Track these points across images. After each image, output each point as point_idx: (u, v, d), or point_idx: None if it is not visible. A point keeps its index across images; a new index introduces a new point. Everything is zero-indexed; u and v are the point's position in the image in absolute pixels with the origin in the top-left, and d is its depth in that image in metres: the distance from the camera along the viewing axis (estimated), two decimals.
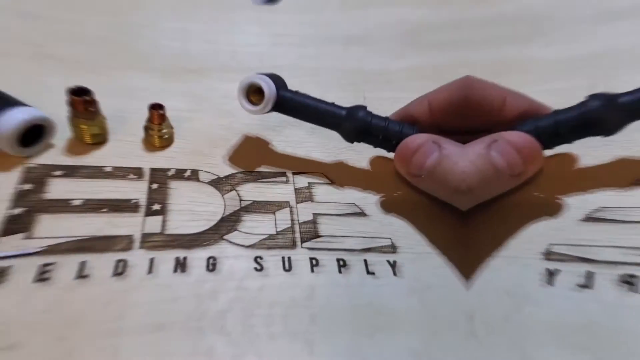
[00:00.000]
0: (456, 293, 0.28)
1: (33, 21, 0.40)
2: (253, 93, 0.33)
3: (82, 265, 0.27)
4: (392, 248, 0.31)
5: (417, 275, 0.29)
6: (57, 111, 0.33)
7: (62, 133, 0.33)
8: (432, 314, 0.27)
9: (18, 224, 0.28)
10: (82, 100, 0.31)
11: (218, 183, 0.34)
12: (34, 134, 0.31)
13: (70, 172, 0.32)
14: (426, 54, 0.47)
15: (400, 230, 0.32)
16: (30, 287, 0.25)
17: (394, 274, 0.29)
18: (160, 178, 0.33)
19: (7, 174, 0.31)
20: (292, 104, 0.33)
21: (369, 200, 0.34)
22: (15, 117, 0.30)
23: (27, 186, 0.30)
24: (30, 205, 0.29)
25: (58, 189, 0.30)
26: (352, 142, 0.33)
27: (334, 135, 0.33)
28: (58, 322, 0.24)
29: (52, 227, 0.28)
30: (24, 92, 0.33)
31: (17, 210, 0.29)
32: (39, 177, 0.31)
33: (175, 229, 0.30)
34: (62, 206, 0.29)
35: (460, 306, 0.27)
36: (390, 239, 0.31)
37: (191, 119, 0.38)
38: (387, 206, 0.33)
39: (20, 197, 0.29)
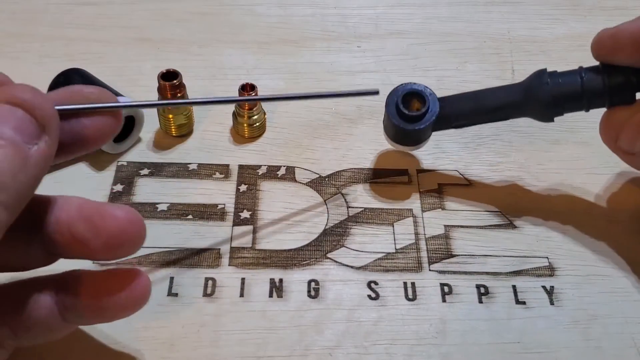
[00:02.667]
0: (628, 326, 0.28)
1: (131, 5, 0.44)
2: None
3: (171, 281, 0.29)
4: (550, 270, 0.30)
5: (580, 304, 0.29)
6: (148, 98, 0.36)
7: (152, 125, 0.35)
8: (598, 352, 0.27)
9: None
10: (169, 86, 0.32)
11: (319, 184, 0.34)
12: (125, 127, 0.33)
13: (156, 170, 0.34)
14: (590, 19, 0.46)
15: (560, 246, 0.31)
16: None
17: (551, 302, 0.29)
18: (249, 177, 0.34)
19: (103, 173, 0.33)
20: (456, 111, 0.31)
21: (520, 208, 0.33)
22: None
23: (118, 187, 0.33)
24: None
25: (145, 190, 0.33)
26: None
27: None
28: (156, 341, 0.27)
29: None
30: (121, 79, 0.37)
31: None
32: (128, 177, 0.33)
33: (267, 243, 0.31)
34: (150, 211, 0.32)
35: (632, 341, 0.28)
36: (547, 258, 0.31)
37: (288, 102, 0.38)
38: (543, 215, 0.33)
39: (113, 201, 0.32)
